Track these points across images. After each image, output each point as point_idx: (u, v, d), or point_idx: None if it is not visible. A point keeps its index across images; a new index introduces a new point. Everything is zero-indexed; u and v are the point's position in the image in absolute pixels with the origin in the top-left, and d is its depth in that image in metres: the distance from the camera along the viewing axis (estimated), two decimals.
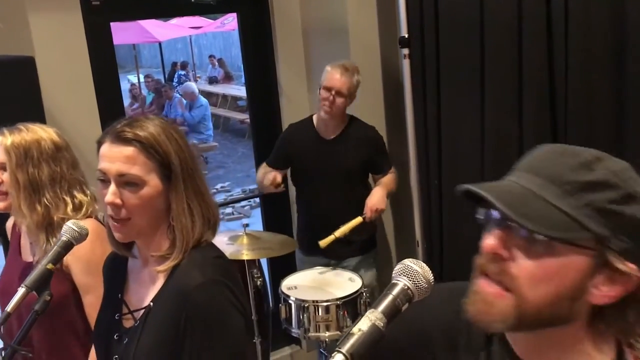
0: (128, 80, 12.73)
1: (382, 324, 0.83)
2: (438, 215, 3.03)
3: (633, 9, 2.20)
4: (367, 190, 2.99)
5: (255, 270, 2.91)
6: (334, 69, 2.91)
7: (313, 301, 2.62)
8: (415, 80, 3.01)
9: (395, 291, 0.86)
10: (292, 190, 3.31)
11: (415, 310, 0.88)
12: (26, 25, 2.66)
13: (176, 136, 1.36)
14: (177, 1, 3.29)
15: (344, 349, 0.80)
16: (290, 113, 3.49)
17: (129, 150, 1.30)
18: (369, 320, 0.83)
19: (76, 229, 1.44)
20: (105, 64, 2.98)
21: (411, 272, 0.87)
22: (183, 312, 1.29)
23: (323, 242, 2.79)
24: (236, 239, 2.90)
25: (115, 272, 1.50)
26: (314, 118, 3.07)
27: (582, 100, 2.37)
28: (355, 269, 2.94)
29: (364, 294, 2.69)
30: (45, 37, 2.71)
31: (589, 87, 2.35)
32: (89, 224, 1.80)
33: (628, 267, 0.83)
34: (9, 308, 1.33)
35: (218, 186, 8.15)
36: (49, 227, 1.81)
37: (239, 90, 11.82)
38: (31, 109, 2.41)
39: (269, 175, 2.92)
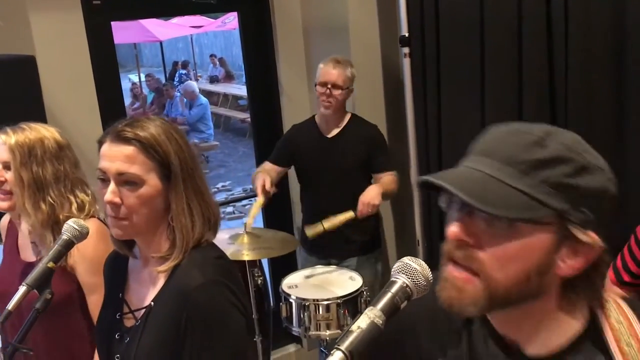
0: (129, 79, 12.75)
1: (381, 322, 0.83)
2: (438, 214, 3.03)
3: (633, 9, 2.20)
4: None
5: (255, 269, 2.92)
6: (326, 64, 2.92)
7: (314, 300, 2.62)
8: (415, 79, 3.02)
9: (394, 289, 0.86)
10: (293, 189, 3.32)
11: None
12: (27, 25, 2.67)
13: (176, 136, 1.37)
14: (178, 0, 3.29)
15: (343, 347, 0.81)
16: (291, 112, 3.49)
17: (129, 149, 1.31)
18: (368, 317, 0.83)
19: (77, 227, 1.45)
20: (106, 63, 2.99)
21: (410, 270, 0.87)
22: (184, 312, 1.29)
23: (310, 232, 2.74)
24: (237, 237, 2.91)
25: (116, 272, 1.51)
26: (316, 117, 3.08)
27: (582, 100, 2.38)
28: (357, 269, 2.94)
29: (365, 292, 2.69)
30: (46, 36, 2.71)
31: (589, 87, 2.35)
32: (92, 223, 1.81)
33: (590, 236, 0.85)
34: (9, 306, 1.33)
35: (219, 185, 8.16)
36: (55, 225, 1.82)
37: (239, 89, 11.83)
38: (32, 108, 2.42)
39: (258, 182, 2.86)
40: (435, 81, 2.95)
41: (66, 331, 1.88)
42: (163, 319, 1.33)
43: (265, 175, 2.88)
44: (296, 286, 2.78)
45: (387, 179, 2.95)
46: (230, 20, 12.45)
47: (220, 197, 7.45)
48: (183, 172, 1.35)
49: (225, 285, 1.33)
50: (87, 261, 1.82)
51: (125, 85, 9.94)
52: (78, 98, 2.82)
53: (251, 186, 8.57)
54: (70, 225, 1.45)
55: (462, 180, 0.85)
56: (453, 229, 0.86)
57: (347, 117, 3.03)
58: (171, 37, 14.33)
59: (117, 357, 1.40)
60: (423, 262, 0.89)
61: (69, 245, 1.44)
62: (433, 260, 0.93)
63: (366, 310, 0.85)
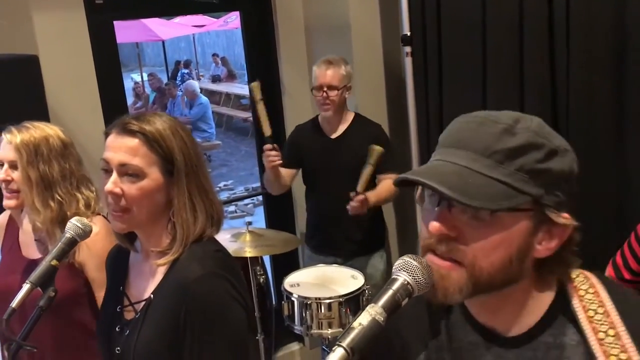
0: (131, 78, 12.77)
1: (382, 319, 0.84)
2: None
3: (634, 10, 2.20)
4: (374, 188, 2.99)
5: (258, 268, 2.93)
6: (319, 66, 2.91)
7: (315, 298, 2.62)
8: (417, 78, 3.02)
9: (395, 286, 0.87)
10: (295, 189, 3.32)
11: None
12: (30, 24, 2.68)
13: (182, 134, 1.38)
14: (180, 0, 3.30)
15: (345, 343, 0.81)
16: (293, 111, 3.50)
17: (133, 141, 1.33)
18: (369, 314, 0.84)
19: (80, 225, 1.46)
20: (108, 62, 2.99)
21: (411, 268, 0.88)
22: (183, 305, 1.30)
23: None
24: (239, 236, 2.91)
25: (118, 266, 1.52)
26: (319, 118, 3.07)
27: (583, 99, 2.38)
28: (361, 268, 2.94)
29: (367, 291, 2.70)
30: (49, 35, 2.72)
31: (590, 87, 2.35)
32: (99, 221, 1.83)
33: (564, 218, 0.88)
34: (13, 304, 1.35)
35: (221, 184, 8.17)
36: (64, 222, 1.83)
37: (242, 88, 11.84)
38: (35, 107, 2.43)
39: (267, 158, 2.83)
40: (437, 80, 2.95)
41: (74, 327, 1.90)
42: (163, 311, 1.34)
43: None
44: (298, 285, 2.79)
45: (385, 184, 2.92)
46: (233, 20, 12.46)
47: (222, 196, 7.45)
48: (187, 167, 1.36)
49: (224, 278, 1.34)
50: (96, 257, 1.83)
51: (128, 85, 9.95)
52: (81, 97, 2.82)
53: (253, 185, 8.49)
54: (73, 224, 1.46)
55: (440, 175, 0.86)
56: (435, 224, 0.87)
57: (351, 116, 3.02)
58: (173, 37, 14.35)
59: (117, 350, 1.40)
60: (424, 260, 0.89)
61: (72, 243, 1.45)
62: None
63: (367, 307, 0.85)
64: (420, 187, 0.92)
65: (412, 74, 3.02)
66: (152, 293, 1.39)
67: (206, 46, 17.76)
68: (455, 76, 2.87)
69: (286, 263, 3.47)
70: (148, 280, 1.42)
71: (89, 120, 2.80)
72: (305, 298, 2.64)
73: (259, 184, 4.91)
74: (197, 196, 1.37)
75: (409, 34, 2.97)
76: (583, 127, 2.38)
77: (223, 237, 2.64)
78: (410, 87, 3.04)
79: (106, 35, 2.99)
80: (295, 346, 3.71)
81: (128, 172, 1.32)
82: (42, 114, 2.41)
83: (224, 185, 8.20)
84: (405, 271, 0.88)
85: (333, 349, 0.82)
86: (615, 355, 0.86)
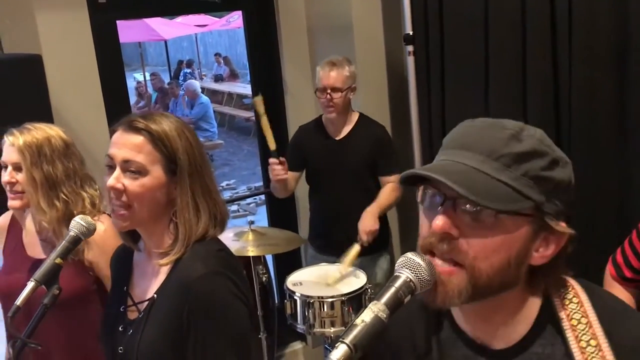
0: (134, 78, 12.79)
1: (384, 316, 0.84)
2: None
3: (636, 7, 2.20)
4: (379, 189, 2.98)
5: (260, 267, 2.93)
6: (322, 68, 2.89)
7: (318, 297, 2.63)
8: (419, 77, 3.02)
9: (398, 283, 0.87)
10: (298, 188, 3.33)
11: None
12: (33, 24, 2.68)
13: (188, 135, 1.39)
14: None
15: (348, 340, 0.82)
16: (295, 110, 3.50)
17: (138, 139, 1.34)
18: (372, 311, 0.84)
19: (84, 224, 1.47)
20: (111, 62, 3.00)
21: (414, 265, 0.88)
22: (186, 304, 1.31)
23: (333, 281, 2.75)
24: (242, 235, 2.92)
25: (122, 266, 1.53)
26: (323, 119, 3.06)
27: (585, 97, 2.38)
28: (365, 268, 2.94)
29: (369, 290, 2.70)
30: (52, 35, 2.73)
31: (592, 84, 2.35)
32: (107, 219, 1.84)
33: (561, 226, 0.90)
34: (18, 302, 1.35)
35: (224, 184, 8.18)
36: (71, 221, 1.85)
37: (244, 88, 11.85)
38: (38, 106, 2.44)
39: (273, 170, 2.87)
40: (439, 79, 2.95)
41: (83, 325, 1.90)
42: (166, 310, 1.35)
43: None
44: (301, 283, 2.79)
45: (386, 190, 2.94)
46: (235, 19, 12.47)
47: (224, 196, 7.45)
48: (190, 168, 1.37)
49: (226, 276, 1.35)
50: (107, 255, 1.84)
51: (130, 84, 9.98)
52: (84, 97, 2.83)
53: (256, 184, 8.49)
54: (77, 222, 1.47)
55: (449, 173, 0.86)
56: (438, 223, 0.87)
57: (355, 117, 3.01)
58: (176, 36, 14.37)
59: (120, 349, 1.41)
60: (427, 257, 0.90)
61: (76, 241, 1.46)
62: None
63: (370, 305, 0.85)
64: (422, 188, 0.92)
65: (414, 72, 3.02)
66: (155, 293, 1.39)
67: (208, 46, 17.78)
68: (457, 75, 2.87)
69: (289, 262, 3.47)
70: (151, 280, 1.43)
71: (92, 119, 2.81)
72: (308, 297, 2.64)
73: (261, 183, 4.92)
74: (200, 196, 1.38)
75: (411, 33, 2.97)
76: (585, 125, 2.38)
77: (225, 236, 2.64)
78: (412, 86, 3.04)
79: (109, 35, 3.00)
80: (297, 345, 3.72)
81: (131, 168, 1.33)
82: (45, 113, 2.42)
83: (226, 185, 8.21)
84: (407, 268, 0.88)
85: (336, 345, 0.82)
86: None
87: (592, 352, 0.88)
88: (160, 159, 1.35)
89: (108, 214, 1.92)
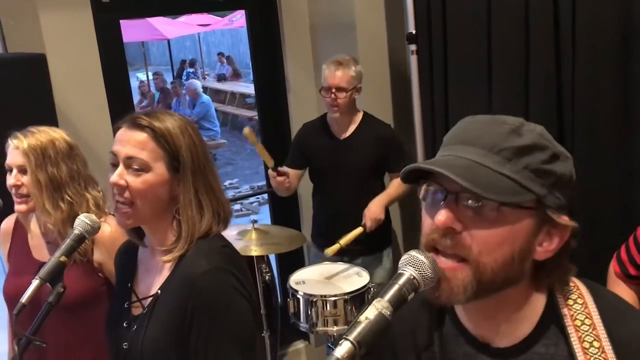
0: (137, 77, 12.81)
1: (388, 313, 0.84)
2: None
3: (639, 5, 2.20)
4: (383, 189, 3.00)
5: (263, 265, 2.94)
6: (328, 67, 2.89)
7: (321, 296, 2.63)
8: (422, 76, 3.02)
9: (402, 281, 0.87)
10: (301, 186, 3.33)
11: None
12: (37, 23, 2.69)
13: (191, 132, 1.40)
14: None
15: (351, 337, 0.82)
16: (298, 110, 3.50)
17: (142, 136, 1.35)
18: (376, 308, 0.84)
19: (88, 222, 1.48)
20: (115, 61, 3.01)
21: (417, 262, 0.88)
22: (189, 300, 1.32)
23: (330, 250, 2.79)
24: (245, 234, 2.93)
25: (127, 262, 1.54)
26: (327, 118, 3.06)
27: (588, 94, 2.38)
28: (368, 267, 2.95)
29: (372, 288, 2.70)
30: (56, 34, 2.74)
31: (595, 83, 2.35)
32: (113, 219, 1.84)
33: (564, 220, 0.90)
34: (23, 299, 1.36)
35: (226, 183, 8.18)
36: None
37: (247, 87, 11.85)
38: (42, 105, 2.45)
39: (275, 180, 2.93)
40: (442, 78, 2.95)
41: (91, 325, 1.89)
42: (170, 306, 1.35)
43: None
44: (304, 282, 2.79)
45: (393, 186, 2.98)
46: (238, 19, 12.49)
47: (227, 195, 7.46)
48: (193, 165, 1.38)
49: (230, 272, 1.36)
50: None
51: (133, 84, 9.94)
52: (88, 96, 2.84)
53: (258, 184, 8.52)
54: (81, 220, 1.48)
55: (452, 167, 0.87)
56: (441, 217, 0.88)
57: (359, 116, 3.01)
58: (179, 36, 14.40)
59: (125, 345, 1.42)
60: (430, 255, 0.90)
61: (80, 239, 1.46)
62: None
63: (374, 302, 0.86)
64: (424, 185, 0.93)
65: (417, 71, 3.02)
66: (159, 289, 1.40)
67: (211, 45, 17.80)
68: (460, 74, 2.87)
69: (292, 260, 3.48)
70: (155, 276, 1.44)
71: (96, 119, 2.82)
72: (311, 295, 2.65)
73: (264, 183, 4.92)
74: (203, 194, 1.39)
75: (414, 32, 2.97)
76: (588, 123, 2.38)
77: (229, 235, 2.65)
78: (415, 85, 3.04)
79: (113, 34, 3.00)
80: (300, 344, 3.72)
81: (134, 165, 1.34)
82: (49, 113, 2.43)
83: (229, 184, 8.22)
84: (411, 266, 0.88)
85: (340, 342, 0.82)
86: None
87: (595, 354, 0.88)
88: (163, 156, 1.36)
89: (113, 215, 1.93)
